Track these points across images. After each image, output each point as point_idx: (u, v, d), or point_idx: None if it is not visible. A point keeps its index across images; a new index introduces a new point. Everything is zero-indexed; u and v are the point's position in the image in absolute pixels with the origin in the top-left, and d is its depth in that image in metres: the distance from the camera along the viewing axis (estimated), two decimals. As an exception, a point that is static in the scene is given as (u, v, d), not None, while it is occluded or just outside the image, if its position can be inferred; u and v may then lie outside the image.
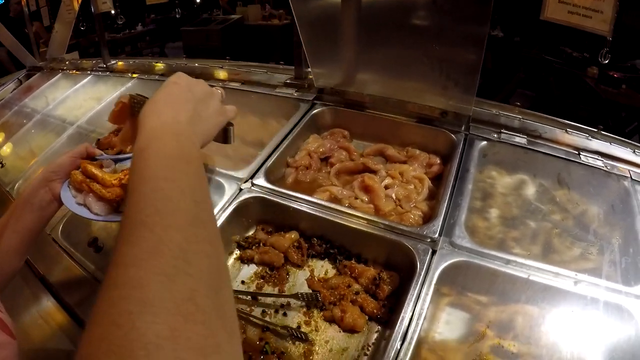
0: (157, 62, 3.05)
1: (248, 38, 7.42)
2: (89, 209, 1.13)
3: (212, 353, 0.43)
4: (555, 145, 1.68)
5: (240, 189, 1.55)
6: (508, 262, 1.22)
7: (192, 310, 0.45)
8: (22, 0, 4.43)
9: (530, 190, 1.57)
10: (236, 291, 1.34)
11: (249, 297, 1.32)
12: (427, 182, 1.60)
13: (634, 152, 1.69)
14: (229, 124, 0.95)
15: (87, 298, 1.37)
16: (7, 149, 2.61)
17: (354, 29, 1.72)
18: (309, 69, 2.06)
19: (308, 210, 1.46)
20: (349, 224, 1.39)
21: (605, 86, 5.18)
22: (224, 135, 0.95)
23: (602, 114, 5.06)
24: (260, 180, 1.58)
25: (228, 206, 1.49)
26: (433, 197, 1.55)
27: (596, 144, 1.70)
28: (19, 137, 2.68)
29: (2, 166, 2.36)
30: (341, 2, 1.68)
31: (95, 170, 1.16)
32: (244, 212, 1.52)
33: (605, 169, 1.60)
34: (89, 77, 3.22)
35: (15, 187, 2.11)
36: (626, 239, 1.37)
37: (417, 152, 1.77)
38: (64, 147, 2.33)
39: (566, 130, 1.74)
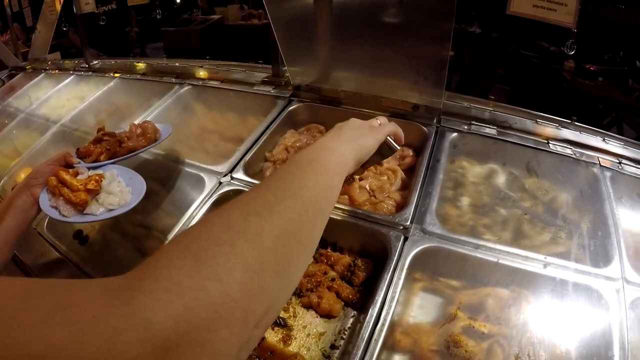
0: (138, 62, 3.08)
1: (228, 38, 7.41)
2: (59, 210, 1.25)
3: (255, 271, 0.55)
4: (524, 135, 1.73)
5: (220, 183, 1.60)
6: (478, 246, 1.27)
7: (256, 240, 0.57)
8: (4, 1, 4.44)
9: (501, 179, 1.62)
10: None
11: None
12: (400, 174, 1.65)
13: (604, 139, 1.73)
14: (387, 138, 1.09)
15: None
16: (-4, 142, 2.64)
17: (328, 29, 1.76)
18: (286, 68, 2.10)
19: (284, 202, 1.49)
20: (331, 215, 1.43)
21: (582, 79, 5.28)
22: (386, 147, 1.10)
23: (580, 106, 5.14)
24: (239, 174, 1.62)
25: (208, 199, 1.53)
26: (406, 187, 1.60)
27: (566, 133, 1.74)
28: (2, 135, 2.71)
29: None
30: (314, 3, 1.72)
31: (66, 176, 1.29)
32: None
33: (574, 156, 1.64)
34: (72, 77, 3.25)
35: (0, 183, 2.14)
36: (595, 223, 1.42)
37: (396, 147, 1.80)
38: (48, 145, 2.36)
39: (536, 121, 1.78)
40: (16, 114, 2.90)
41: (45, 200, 1.29)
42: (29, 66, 4.03)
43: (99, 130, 1.66)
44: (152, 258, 0.53)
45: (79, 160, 1.47)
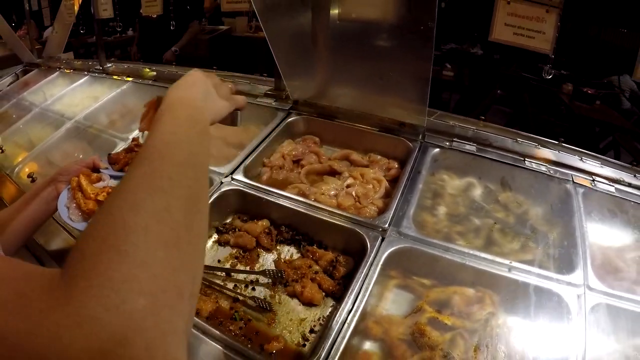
0: (149, 69, 3.23)
1: (235, 49, 7.44)
2: (69, 212, 1.32)
3: (173, 246, 0.58)
4: (503, 153, 1.85)
5: (221, 182, 1.75)
6: (448, 249, 1.40)
7: (166, 217, 0.59)
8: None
9: (477, 192, 1.76)
10: (212, 267, 1.54)
11: (223, 273, 1.52)
12: (384, 183, 1.80)
13: (581, 159, 1.84)
14: (237, 109, 1.13)
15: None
16: (6, 136, 2.77)
17: (325, 50, 1.92)
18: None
19: (279, 202, 1.66)
20: (313, 215, 1.59)
21: (580, 102, 5.33)
22: (232, 118, 1.15)
23: (577, 130, 5.16)
24: (239, 176, 1.78)
25: (210, 196, 1.68)
26: (389, 196, 1.74)
27: (544, 152, 1.86)
28: (18, 127, 2.85)
29: (2, 152, 2.53)
30: (311, 26, 1.87)
31: (83, 182, 1.34)
32: (223, 203, 1.72)
33: (548, 173, 1.76)
34: (86, 77, 3.39)
35: (15, 171, 2.28)
36: (562, 234, 1.54)
37: (378, 157, 1.97)
38: (62, 139, 2.51)
39: (517, 140, 1.90)
40: (31, 108, 3.04)
41: (64, 197, 1.34)
42: (44, 63, 4.18)
43: (133, 140, 1.73)
44: (77, 255, 0.54)
45: (107, 165, 1.49)
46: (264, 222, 1.66)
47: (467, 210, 1.70)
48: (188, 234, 0.62)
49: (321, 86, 2.15)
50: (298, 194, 1.72)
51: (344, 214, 1.57)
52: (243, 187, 1.74)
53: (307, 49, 1.97)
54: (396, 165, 1.90)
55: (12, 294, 0.50)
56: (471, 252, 1.40)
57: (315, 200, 1.69)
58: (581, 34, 6.48)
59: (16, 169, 2.30)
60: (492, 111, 5.77)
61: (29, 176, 2.12)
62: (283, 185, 1.84)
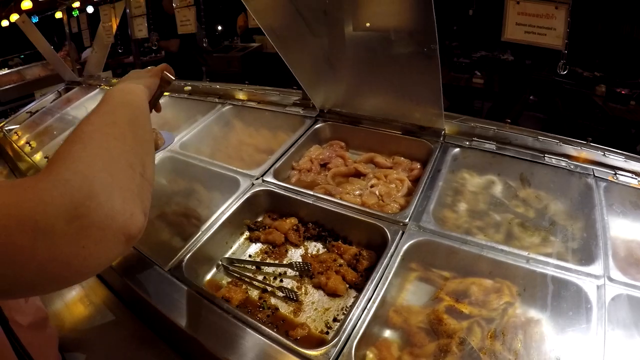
0: (184, 84, 3.39)
1: (266, 65, 7.67)
2: None
3: (120, 139, 0.84)
4: (522, 150, 1.89)
5: (253, 184, 1.87)
6: (465, 241, 1.46)
7: (112, 125, 0.86)
8: (64, 22, 4.86)
9: (497, 189, 1.81)
10: (243, 261, 1.66)
11: (254, 266, 1.63)
12: (407, 182, 1.88)
13: (604, 154, 1.83)
14: (163, 81, 1.35)
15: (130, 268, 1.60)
16: (51, 148, 2.97)
17: (342, 62, 2.02)
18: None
19: (306, 201, 1.77)
20: (338, 212, 1.69)
21: (614, 104, 5.22)
22: (165, 81, 1.35)
23: (612, 132, 5.04)
24: (269, 178, 1.90)
25: (242, 196, 1.81)
26: (411, 194, 1.79)
27: (564, 148, 1.87)
28: (62, 138, 3.03)
29: (47, 159, 2.70)
30: (328, 40, 1.98)
31: None
32: (254, 202, 1.84)
33: (568, 168, 1.77)
34: (125, 93, 3.57)
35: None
36: (582, 227, 1.57)
37: (402, 159, 2.06)
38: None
39: (537, 138, 1.93)
40: (74, 122, 3.23)
41: None
42: (84, 82, 4.42)
43: None
44: (54, 154, 0.74)
45: None
46: (292, 220, 1.76)
47: (487, 206, 1.75)
48: (132, 134, 0.88)
49: (342, 96, 2.26)
50: (324, 194, 1.81)
51: (367, 210, 1.66)
52: (273, 188, 1.85)
53: (324, 61, 2.07)
54: (418, 166, 1.98)
55: (8, 185, 0.65)
56: (489, 244, 1.45)
57: (340, 198, 1.78)
58: (613, 33, 6.31)
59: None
60: (525, 117, 5.69)
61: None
62: (310, 187, 1.94)
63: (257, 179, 1.90)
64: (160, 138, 1.79)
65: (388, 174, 1.95)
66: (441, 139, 2.00)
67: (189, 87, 3.28)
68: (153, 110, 1.38)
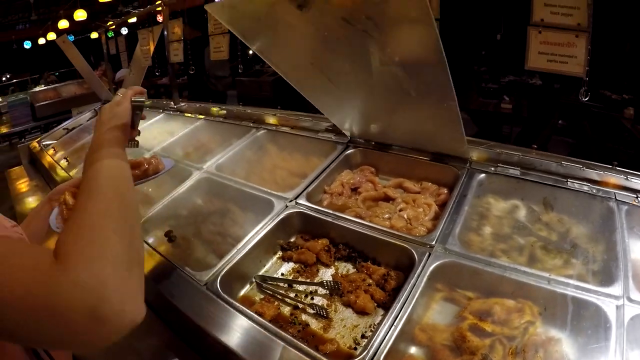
0: (219, 108, 3.53)
1: (297, 90, 7.65)
2: (56, 222, 1.51)
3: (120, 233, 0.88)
4: (545, 175, 1.93)
5: (286, 206, 1.98)
6: (489, 263, 1.52)
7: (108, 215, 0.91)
8: (102, 43, 5.09)
9: (521, 213, 1.86)
10: (276, 278, 1.76)
11: (286, 284, 1.73)
12: (434, 207, 1.96)
13: (626, 178, 1.83)
14: (135, 104, 1.34)
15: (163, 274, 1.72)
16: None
17: (366, 94, 2.09)
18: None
19: (337, 223, 1.86)
20: (368, 234, 1.77)
21: None
22: (136, 106, 1.34)
23: None
24: (302, 201, 2.01)
25: (276, 218, 1.91)
26: (438, 218, 1.87)
27: (587, 173, 1.89)
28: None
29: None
30: (352, 74, 2.01)
31: (68, 197, 1.55)
32: (288, 223, 1.94)
33: (590, 192, 1.81)
34: (162, 114, 3.80)
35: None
36: (603, 249, 1.61)
37: (429, 184, 2.14)
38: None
39: (561, 163, 1.96)
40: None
41: (55, 212, 1.53)
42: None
43: None
44: (63, 241, 0.82)
45: None
46: (324, 241, 1.85)
47: (511, 230, 1.80)
48: (126, 216, 0.94)
49: (371, 125, 2.34)
50: (355, 217, 1.89)
51: (396, 233, 1.74)
52: (306, 210, 1.95)
53: (350, 93, 2.15)
54: (445, 191, 2.05)
55: (29, 267, 0.76)
56: (512, 265, 1.50)
57: (370, 221, 1.86)
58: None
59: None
60: (553, 142, 5.59)
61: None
62: (342, 210, 2.02)
63: (290, 201, 2.01)
64: (160, 163, 1.83)
65: (416, 198, 2.03)
66: (467, 165, 2.07)
67: (224, 112, 3.41)
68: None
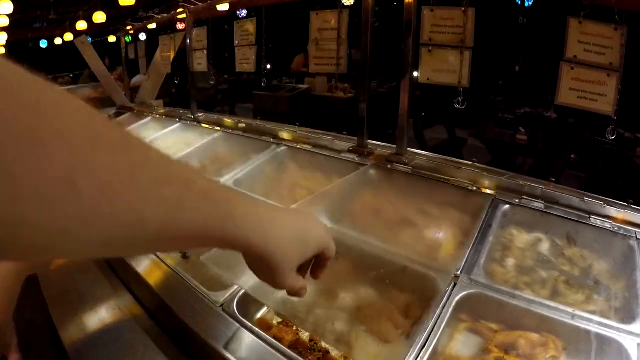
0: (239, 121, 3.54)
1: (314, 107, 7.83)
2: None
3: None
4: (569, 210, 1.94)
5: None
6: (514, 296, 1.51)
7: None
8: (122, 47, 5.14)
9: (544, 246, 1.86)
10: (295, 303, 1.67)
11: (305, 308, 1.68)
12: (458, 235, 1.96)
13: None
14: None
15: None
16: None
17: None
18: (369, 140, 2.52)
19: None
20: (390, 259, 1.78)
21: None
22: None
23: None
24: (323, 221, 1.95)
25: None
26: (462, 247, 1.86)
27: (609, 210, 1.92)
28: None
29: None
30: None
31: None
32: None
33: (612, 230, 1.82)
34: (178, 124, 3.77)
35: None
36: (624, 287, 1.62)
37: (453, 211, 2.13)
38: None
39: (583, 199, 1.98)
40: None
41: None
42: (137, 108, 4.61)
43: None
44: None
45: None
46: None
47: (534, 263, 1.79)
48: None
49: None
50: (376, 241, 1.89)
51: (420, 260, 1.73)
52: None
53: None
54: (469, 219, 2.04)
55: None
56: (536, 299, 1.50)
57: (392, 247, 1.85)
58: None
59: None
60: (566, 176, 5.62)
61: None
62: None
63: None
64: None
65: (440, 225, 2.02)
66: (494, 194, 2.08)
67: (243, 125, 3.42)
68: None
